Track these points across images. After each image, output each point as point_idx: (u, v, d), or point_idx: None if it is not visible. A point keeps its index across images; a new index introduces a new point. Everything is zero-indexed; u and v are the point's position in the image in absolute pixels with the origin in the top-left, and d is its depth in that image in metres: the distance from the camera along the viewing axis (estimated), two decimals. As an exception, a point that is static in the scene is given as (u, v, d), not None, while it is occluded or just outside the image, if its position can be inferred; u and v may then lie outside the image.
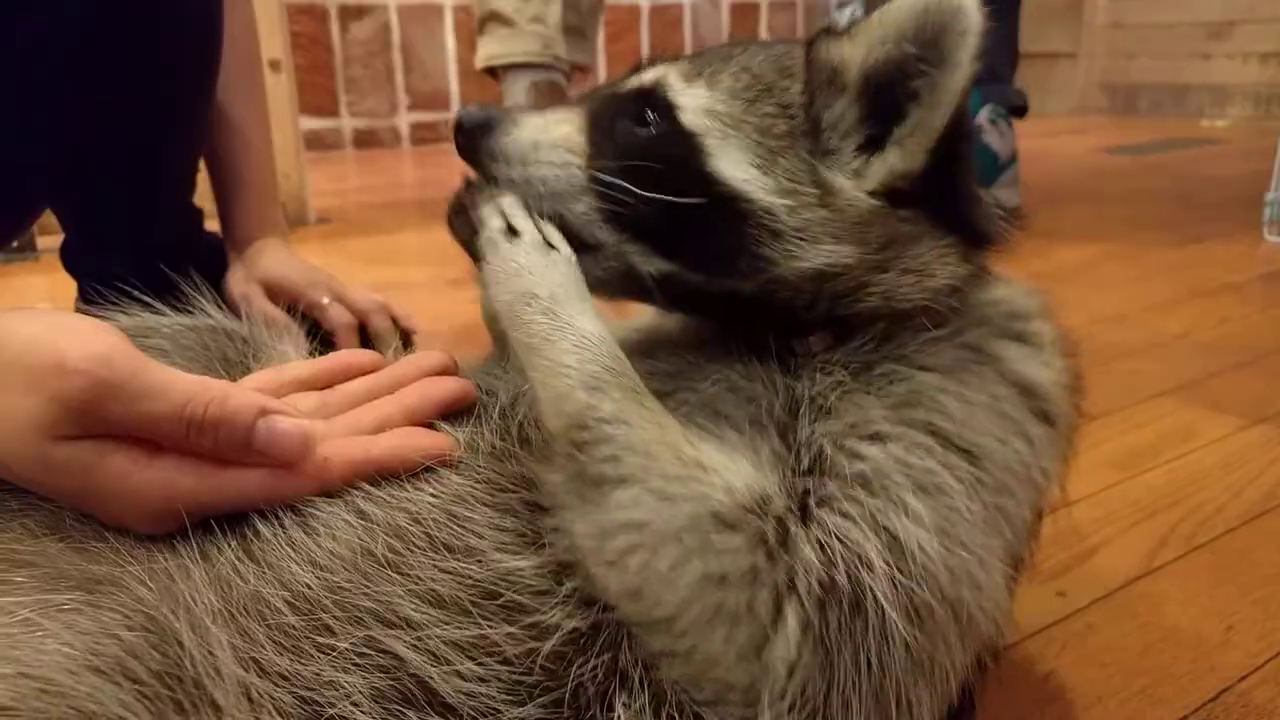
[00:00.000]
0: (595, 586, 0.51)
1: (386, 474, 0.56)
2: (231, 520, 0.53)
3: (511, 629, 0.50)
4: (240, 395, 0.53)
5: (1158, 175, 3.38)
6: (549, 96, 2.34)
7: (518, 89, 2.35)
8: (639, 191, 0.59)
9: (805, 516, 0.52)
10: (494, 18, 2.36)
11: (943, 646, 0.51)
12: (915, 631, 0.50)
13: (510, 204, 0.62)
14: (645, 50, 5.08)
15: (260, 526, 0.53)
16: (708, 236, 0.60)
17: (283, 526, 0.53)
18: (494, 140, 0.62)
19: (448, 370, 0.66)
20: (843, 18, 2.88)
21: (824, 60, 0.61)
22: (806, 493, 0.53)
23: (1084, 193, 3.04)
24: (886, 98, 0.58)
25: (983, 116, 2.63)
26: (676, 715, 0.50)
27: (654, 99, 0.63)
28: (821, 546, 0.50)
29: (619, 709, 0.50)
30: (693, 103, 0.62)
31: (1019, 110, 2.75)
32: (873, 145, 0.60)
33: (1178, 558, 0.98)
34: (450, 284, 2.04)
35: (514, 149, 0.62)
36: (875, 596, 0.49)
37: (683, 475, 0.51)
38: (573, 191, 0.62)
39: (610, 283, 0.64)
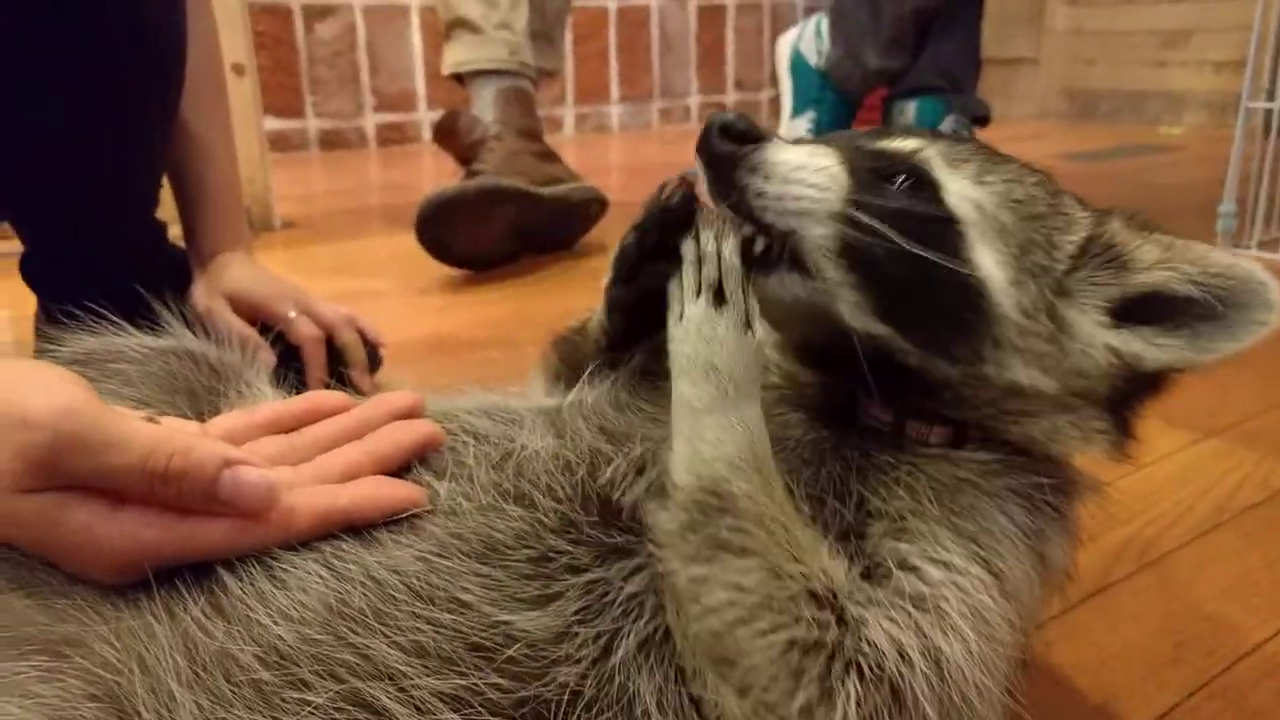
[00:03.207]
0: (673, 616, 0.54)
1: (354, 524, 0.56)
2: (198, 574, 0.53)
3: (503, 680, 0.51)
4: (204, 446, 0.53)
5: (1114, 182, 3.44)
6: (516, 104, 2.33)
7: (485, 96, 2.34)
8: (901, 240, 0.58)
9: (870, 607, 0.55)
10: (460, 24, 2.35)
11: None
12: None
13: (730, 260, 0.60)
14: (614, 51, 5.09)
15: (228, 580, 0.53)
16: (935, 313, 0.60)
17: (251, 580, 0.53)
18: (758, 154, 0.60)
19: (416, 412, 0.66)
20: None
21: (1114, 239, 0.63)
22: (858, 590, 0.56)
23: (1044, 200, 3.08)
24: (1153, 301, 0.62)
25: (946, 127, 2.67)
26: None
27: (913, 169, 0.62)
28: (876, 636, 0.53)
29: None
30: (957, 189, 0.61)
31: (981, 120, 2.79)
32: (1117, 316, 0.62)
33: (1130, 574, 1.01)
34: (419, 293, 2.04)
35: (778, 167, 0.60)
36: (915, 693, 0.53)
37: (793, 555, 0.54)
38: (821, 216, 0.60)
39: (795, 313, 0.63)
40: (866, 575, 0.57)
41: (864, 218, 0.59)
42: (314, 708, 0.48)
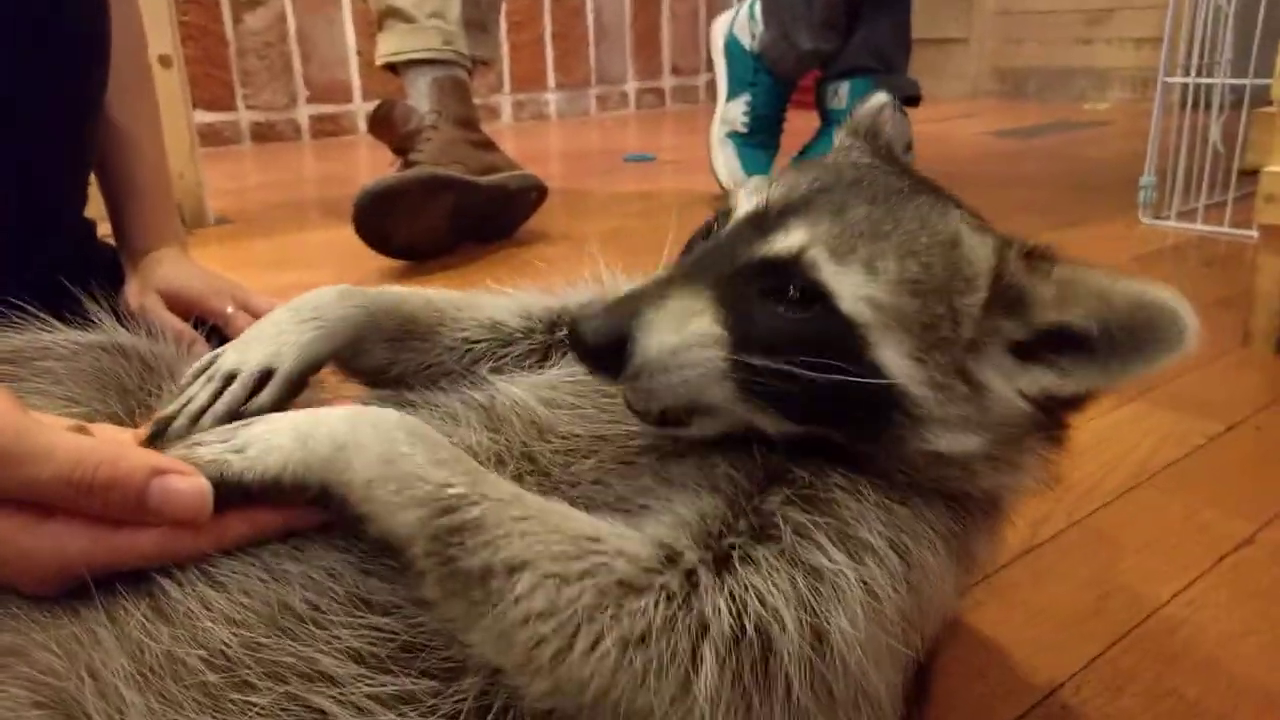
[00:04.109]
0: (520, 695, 0.51)
1: (291, 528, 0.55)
2: (138, 580, 0.53)
3: (434, 683, 0.51)
4: (131, 456, 0.53)
5: (1042, 157, 3.54)
6: (452, 93, 2.32)
7: (420, 85, 2.32)
8: (801, 374, 0.56)
9: (722, 569, 0.53)
10: (393, 14, 2.32)
11: (844, 704, 0.54)
12: (818, 702, 0.53)
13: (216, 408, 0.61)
14: (549, 38, 5.07)
15: (168, 586, 0.53)
16: (851, 413, 0.59)
17: (193, 585, 0.53)
18: (633, 362, 0.57)
19: None
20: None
21: (1013, 284, 0.60)
22: (732, 548, 0.54)
23: (972, 176, 3.15)
24: (1062, 334, 0.60)
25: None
26: None
27: (800, 279, 0.59)
28: (733, 597, 0.52)
29: None
30: (851, 291, 0.58)
31: (913, 99, 2.84)
32: (1022, 349, 0.61)
33: (1057, 534, 1.05)
34: (357, 284, 2.02)
35: (655, 363, 0.57)
36: (783, 656, 0.51)
37: (574, 552, 0.51)
38: (711, 383, 0.58)
39: (719, 435, 0.63)
40: (753, 534, 0.55)
41: (754, 365, 0.57)
42: (260, 709, 0.49)
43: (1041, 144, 3.84)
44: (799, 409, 0.59)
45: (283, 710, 0.49)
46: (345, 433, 0.53)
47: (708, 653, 0.50)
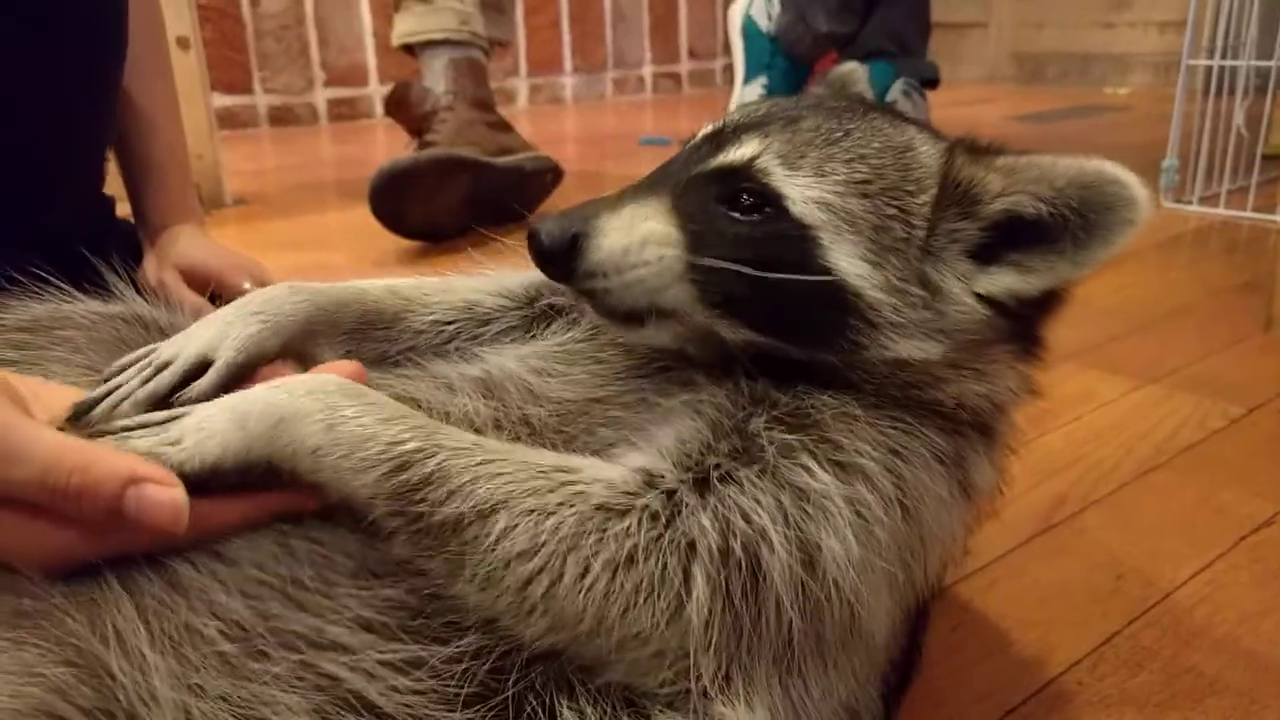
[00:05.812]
0: (515, 637, 0.52)
1: (292, 507, 0.55)
2: (152, 555, 0.53)
3: (443, 649, 0.51)
4: (105, 461, 0.51)
5: (1062, 143, 3.50)
6: (468, 74, 2.32)
7: (436, 66, 2.32)
8: (755, 274, 0.57)
9: (704, 489, 0.53)
10: (410, -6, 2.32)
11: (834, 632, 0.55)
12: (809, 626, 0.53)
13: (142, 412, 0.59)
14: (566, 21, 5.05)
15: (181, 561, 0.53)
16: (807, 318, 0.60)
17: (206, 560, 0.53)
18: (585, 261, 0.58)
19: (359, 380, 0.64)
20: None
21: (960, 179, 0.61)
22: (714, 468, 0.54)
23: (994, 162, 3.12)
24: (1017, 226, 0.60)
25: (896, 90, 2.69)
26: (622, 715, 0.52)
27: (752, 185, 0.60)
28: (716, 515, 0.52)
29: (565, 713, 0.51)
30: (801, 194, 0.59)
31: (931, 82, 2.82)
32: (984, 252, 0.61)
33: (1075, 514, 1.04)
34: (374, 265, 2.03)
35: (608, 261, 0.59)
36: (773, 577, 0.52)
37: (548, 485, 0.51)
38: (669, 282, 0.59)
39: (678, 344, 0.63)
40: (735, 455, 0.56)
41: (710, 264, 0.58)
42: (275, 676, 0.50)
43: (1061, 129, 3.80)
44: (756, 314, 0.59)
45: (298, 678, 0.50)
46: (284, 405, 0.53)
47: (698, 572, 0.51)
